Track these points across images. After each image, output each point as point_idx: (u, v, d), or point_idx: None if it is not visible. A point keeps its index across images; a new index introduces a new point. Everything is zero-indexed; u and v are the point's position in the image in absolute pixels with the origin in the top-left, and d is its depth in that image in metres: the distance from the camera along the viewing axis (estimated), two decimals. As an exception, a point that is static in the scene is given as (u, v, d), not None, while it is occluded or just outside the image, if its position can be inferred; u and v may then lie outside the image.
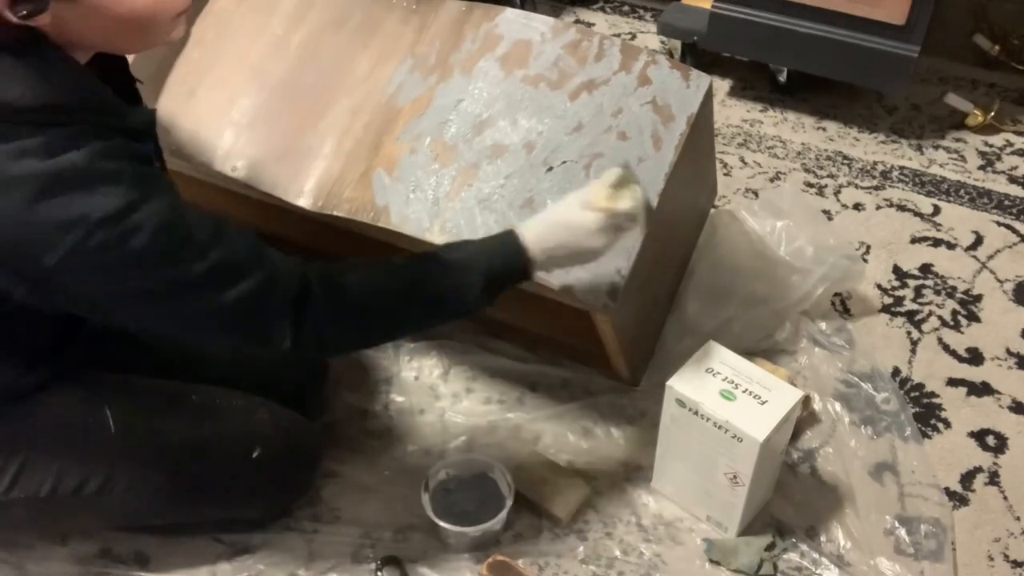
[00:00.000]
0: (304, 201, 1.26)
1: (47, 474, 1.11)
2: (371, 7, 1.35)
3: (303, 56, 1.34)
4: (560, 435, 1.41)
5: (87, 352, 1.17)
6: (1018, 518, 1.32)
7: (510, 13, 1.30)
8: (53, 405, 1.12)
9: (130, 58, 1.10)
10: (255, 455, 1.20)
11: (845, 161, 1.94)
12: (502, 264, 1.06)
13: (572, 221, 1.07)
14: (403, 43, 1.32)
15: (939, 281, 1.67)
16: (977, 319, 1.60)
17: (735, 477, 1.19)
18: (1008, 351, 1.54)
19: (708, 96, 1.24)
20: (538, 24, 1.28)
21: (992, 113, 1.99)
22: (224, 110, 1.33)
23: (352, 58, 1.33)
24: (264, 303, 0.97)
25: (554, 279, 1.15)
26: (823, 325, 1.55)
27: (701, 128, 1.27)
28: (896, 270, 1.69)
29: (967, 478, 1.36)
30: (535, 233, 1.07)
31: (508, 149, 1.22)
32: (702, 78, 1.23)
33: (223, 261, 0.95)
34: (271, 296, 0.97)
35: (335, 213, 1.24)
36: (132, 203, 0.88)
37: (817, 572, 1.24)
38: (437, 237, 1.20)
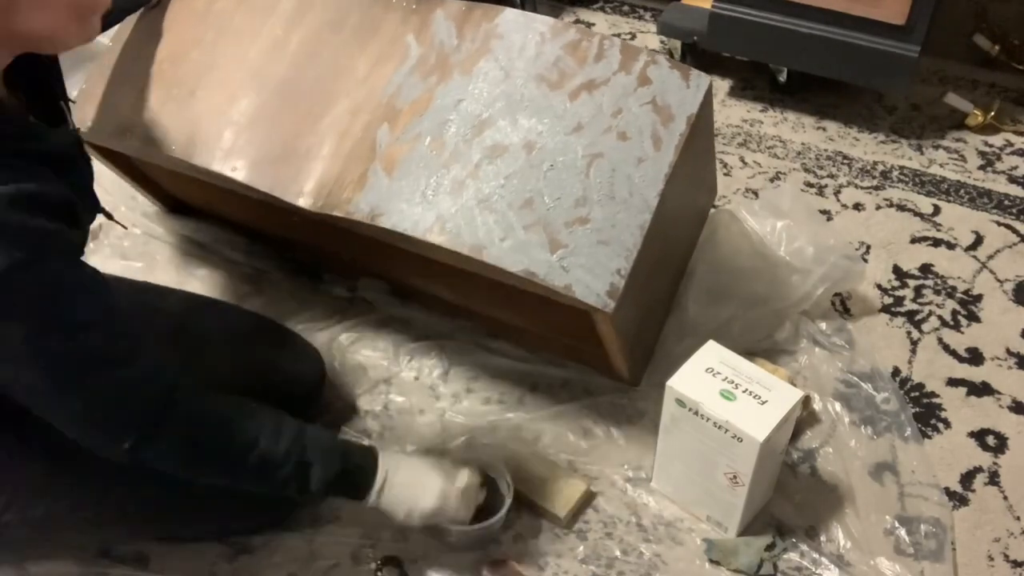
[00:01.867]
0: (304, 201, 1.26)
1: (40, 499, 1.09)
2: (370, 7, 1.35)
3: (302, 57, 1.34)
4: (560, 435, 1.41)
5: None
6: (1018, 518, 1.31)
7: (510, 13, 1.30)
8: (43, 428, 1.06)
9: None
10: None
11: (845, 161, 1.94)
12: (344, 479, 1.09)
13: (420, 496, 1.12)
14: (402, 44, 1.32)
15: (939, 281, 1.67)
16: (977, 319, 1.60)
17: (735, 477, 1.19)
18: (1008, 351, 1.54)
19: (708, 96, 1.24)
20: (538, 24, 1.28)
21: (992, 113, 1.99)
22: (223, 111, 1.33)
23: (351, 59, 1.33)
24: (124, 401, 0.93)
25: (557, 280, 1.15)
26: (823, 325, 1.54)
27: (701, 128, 1.27)
28: (896, 270, 1.69)
29: (967, 478, 1.36)
30: (389, 476, 1.11)
31: (508, 149, 1.22)
32: (702, 78, 1.23)
33: (97, 347, 0.91)
34: (134, 397, 0.94)
35: (335, 214, 1.24)
36: (13, 265, 0.82)
37: (817, 572, 1.24)
38: (437, 237, 1.20)
